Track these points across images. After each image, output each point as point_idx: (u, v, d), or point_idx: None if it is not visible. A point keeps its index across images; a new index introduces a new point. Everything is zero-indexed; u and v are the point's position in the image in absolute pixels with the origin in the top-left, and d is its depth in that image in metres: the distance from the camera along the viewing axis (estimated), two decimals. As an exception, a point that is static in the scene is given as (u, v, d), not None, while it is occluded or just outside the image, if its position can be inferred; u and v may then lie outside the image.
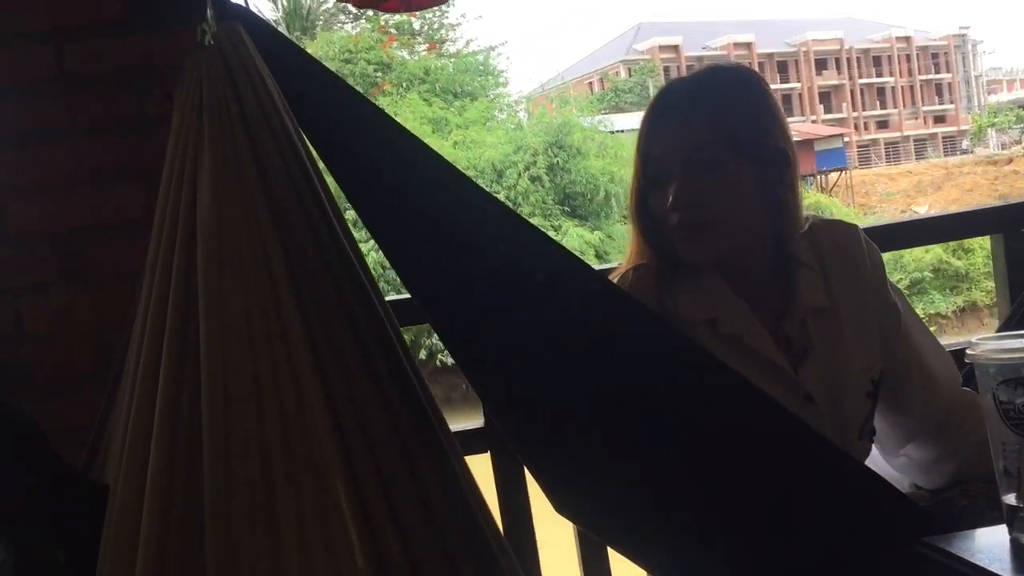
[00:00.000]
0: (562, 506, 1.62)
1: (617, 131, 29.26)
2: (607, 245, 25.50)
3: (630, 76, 46.55)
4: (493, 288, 1.51)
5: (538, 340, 1.47)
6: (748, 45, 53.39)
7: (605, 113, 35.05)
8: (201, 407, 1.33)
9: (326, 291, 1.44)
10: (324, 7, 36.22)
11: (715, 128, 1.56)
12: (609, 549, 2.14)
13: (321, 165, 1.56)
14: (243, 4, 1.67)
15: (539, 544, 2.21)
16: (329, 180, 1.56)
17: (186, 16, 1.92)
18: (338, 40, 30.71)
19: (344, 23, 36.12)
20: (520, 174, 25.51)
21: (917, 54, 59.46)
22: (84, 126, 1.95)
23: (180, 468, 1.33)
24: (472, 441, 2.22)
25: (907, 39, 59.07)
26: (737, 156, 1.56)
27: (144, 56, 1.96)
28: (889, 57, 58.74)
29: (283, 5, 35.06)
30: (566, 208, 26.18)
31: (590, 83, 49.62)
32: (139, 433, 1.36)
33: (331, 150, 1.56)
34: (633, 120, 34.10)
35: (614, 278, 1.69)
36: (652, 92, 42.47)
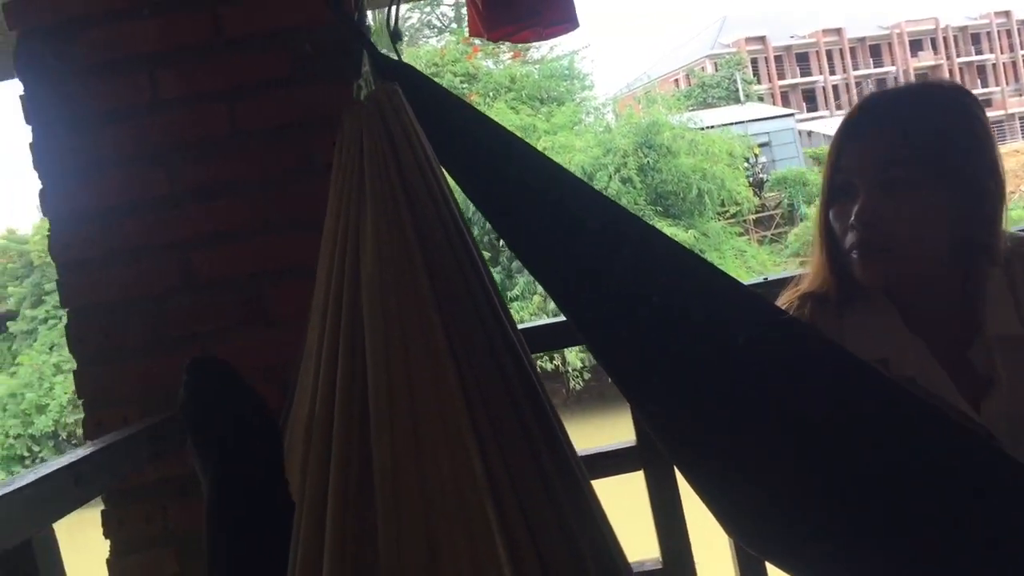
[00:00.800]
0: (730, 524, 1.63)
1: (707, 127, 28.89)
2: (701, 243, 25.21)
3: (716, 71, 45.85)
4: (657, 323, 1.54)
5: (706, 367, 1.49)
6: (838, 31, 52.04)
7: (693, 110, 34.64)
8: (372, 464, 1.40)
9: (476, 338, 1.48)
10: (409, 23, 36.79)
11: (912, 146, 1.46)
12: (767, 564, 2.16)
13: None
14: (400, 61, 1.76)
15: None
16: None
17: (348, 70, 2.03)
18: (424, 54, 31.14)
19: (429, 37, 36.64)
20: (611, 176, 25.42)
21: (1018, 28, 56.97)
22: (257, 179, 2.07)
23: (352, 514, 1.41)
24: (625, 459, 2.26)
25: (1006, 13, 56.67)
26: (933, 180, 1.46)
27: (308, 109, 2.07)
28: (988, 34, 56.47)
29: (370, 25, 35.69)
30: (658, 208, 25.99)
31: (676, 80, 49.07)
32: (316, 484, 1.43)
33: (489, 200, 1.62)
34: (722, 115, 33.64)
35: (787, 299, 1.69)
36: (740, 85, 41.95)
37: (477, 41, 30.08)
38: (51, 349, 28.03)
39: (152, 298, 2.07)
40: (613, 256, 1.60)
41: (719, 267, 1.52)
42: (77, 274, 2.09)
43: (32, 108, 2.07)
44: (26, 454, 26.63)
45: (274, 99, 2.07)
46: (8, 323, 30.86)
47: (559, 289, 1.59)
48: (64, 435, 26.76)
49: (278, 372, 2.06)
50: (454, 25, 37.23)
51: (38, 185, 2.09)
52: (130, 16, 2.05)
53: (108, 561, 2.08)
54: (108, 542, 2.09)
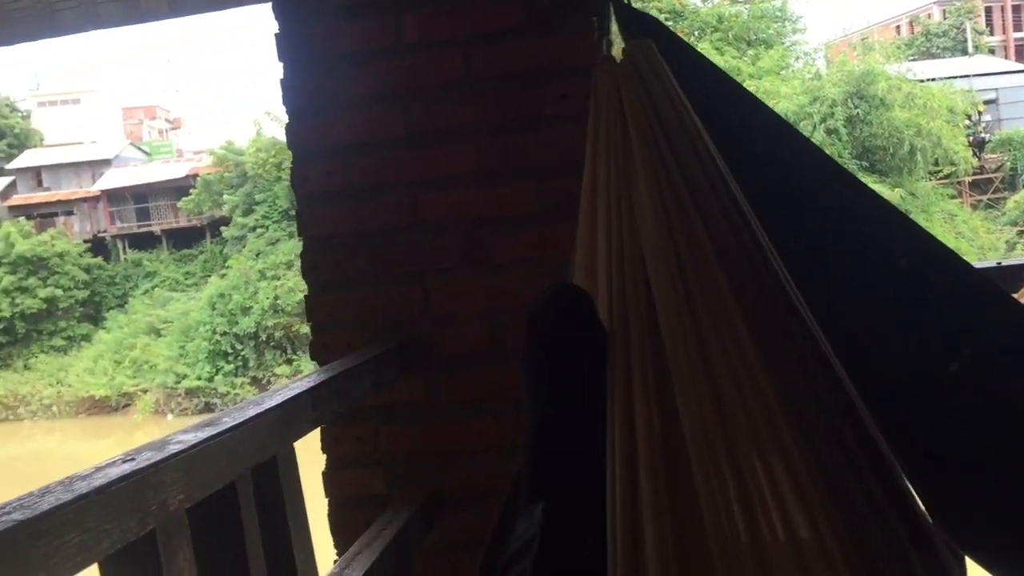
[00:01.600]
0: None
1: (927, 80, 26.94)
2: (908, 203, 23.79)
3: (944, 18, 42.48)
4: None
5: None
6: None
7: (914, 59, 32.38)
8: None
9: (762, 301, 1.50)
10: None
11: None
12: None
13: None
14: (648, 15, 1.74)
15: None
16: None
17: (583, 21, 2.03)
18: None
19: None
20: (815, 126, 24.30)
21: None
22: (487, 125, 2.12)
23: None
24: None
25: None
26: None
27: (542, 59, 2.09)
28: None
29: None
30: (864, 163, 24.68)
31: (897, 27, 45.87)
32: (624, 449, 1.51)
33: (742, 167, 1.62)
34: (945, 67, 31.21)
35: None
36: (970, 35, 38.69)
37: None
38: (257, 256, 30.00)
39: (382, 234, 2.18)
40: (845, 236, 1.58)
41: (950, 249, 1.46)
42: (315, 206, 2.22)
43: (285, 46, 2.19)
44: (230, 351, 28.85)
45: (510, 48, 2.10)
46: (221, 228, 33.25)
47: (793, 268, 1.58)
48: (264, 337, 28.77)
49: (492, 315, 2.14)
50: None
51: (284, 119, 2.23)
52: (380, -39, 2.12)
53: (323, 474, 2.25)
54: (324, 456, 2.26)
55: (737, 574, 1.47)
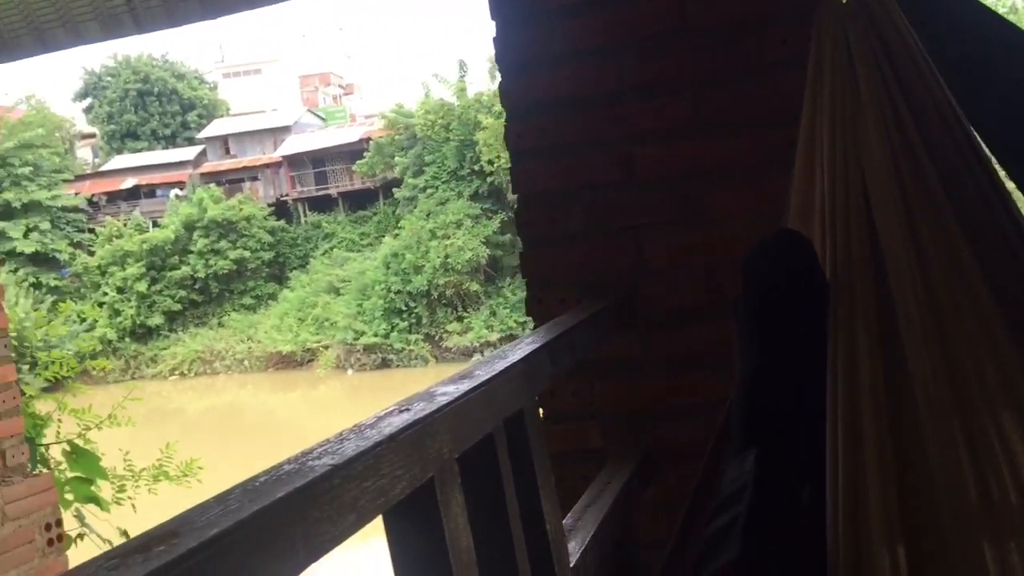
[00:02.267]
0: None
1: None
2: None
3: None
4: None
5: None
6: None
7: None
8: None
9: (1005, 263, 1.42)
10: None
11: None
12: None
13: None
14: None
15: None
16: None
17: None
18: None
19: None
20: None
21: None
22: (703, 76, 2.07)
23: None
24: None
25: None
26: None
27: (759, 4, 2.02)
28: None
29: None
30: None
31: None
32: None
33: (975, 105, 1.53)
34: None
35: None
36: None
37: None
38: (428, 216, 30.83)
39: (595, 189, 2.18)
40: None
41: None
42: (528, 162, 2.24)
43: (497, 3, 2.20)
44: (404, 308, 29.89)
45: (727, -6, 2.04)
46: (393, 189, 34.32)
47: None
48: (435, 295, 29.63)
49: (709, 270, 2.10)
50: None
51: (497, 78, 2.25)
52: (591, -89, 2.10)
53: (539, 427, 2.29)
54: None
55: (965, 534, 1.41)
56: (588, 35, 2.15)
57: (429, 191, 32.30)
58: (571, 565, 1.54)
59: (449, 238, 29.87)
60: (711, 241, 2.09)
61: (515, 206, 2.28)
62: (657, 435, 2.18)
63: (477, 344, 29.02)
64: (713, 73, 2.07)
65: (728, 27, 2.05)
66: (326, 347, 30.90)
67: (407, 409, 1.13)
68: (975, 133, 1.52)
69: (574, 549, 1.62)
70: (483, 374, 1.33)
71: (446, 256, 29.43)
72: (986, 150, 1.52)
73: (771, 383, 1.58)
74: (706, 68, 2.07)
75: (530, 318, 2.29)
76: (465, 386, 1.26)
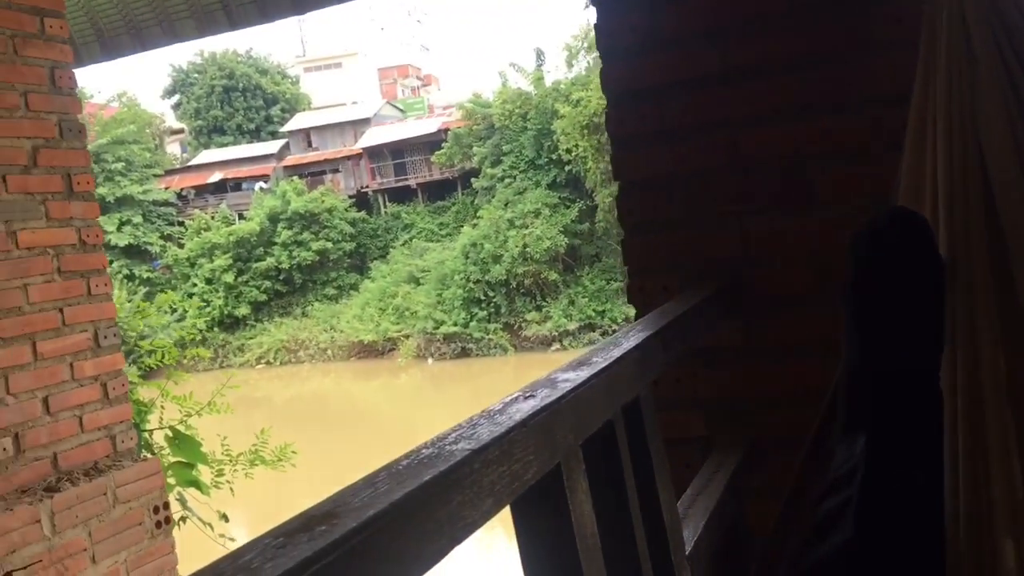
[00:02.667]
0: None
1: None
2: None
3: None
4: None
5: None
6: None
7: None
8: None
9: None
10: None
11: None
12: None
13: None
14: None
15: None
16: None
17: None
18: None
19: None
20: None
21: None
22: (811, 55, 2.02)
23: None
24: None
25: None
26: None
27: (873, -18, 1.96)
28: None
29: None
30: None
31: None
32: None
33: None
34: None
35: None
36: None
37: None
38: (506, 205, 30.89)
39: (698, 174, 2.15)
40: None
41: None
42: (629, 149, 2.22)
43: (596, -9, 2.19)
44: (482, 298, 30.05)
45: (838, -28, 1.98)
46: (471, 179, 34.48)
47: None
48: (514, 284, 29.70)
49: (817, 255, 2.05)
50: None
51: (597, 64, 2.24)
52: None
53: (640, 414, 2.27)
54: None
55: None
56: (691, 18, 2.12)
57: (507, 181, 32.37)
58: (686, 553, 1.53)
59: (527, 227, 29.89)
60: (818, 225, 2.04)
61: (615, 193, 2.26)
62: (763, 423, 2.14)
63: (556, 333, 29.02)
64: (822, 52, 2.02)
65: (837, 5, 1.99)
66: (407, 336, 31.28)
67: (532, 395, 1.14)
68: None
69: (688, 537, 1.61)
70: (600, 361, 1.33)
71: (524, 245, 29.47)
72: None
73: (884, 365, 1.54)
74: (815, 47, 2.02)
75: (631, 305, 2.27)
76: (585, 373, 1.25)
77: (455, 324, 30.12)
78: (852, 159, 2.01)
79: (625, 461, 1.32)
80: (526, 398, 1.13)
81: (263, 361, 33.51)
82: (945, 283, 1.51)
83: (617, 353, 1.39)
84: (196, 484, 4.73)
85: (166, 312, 30.16)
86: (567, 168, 30.28)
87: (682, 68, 2.14)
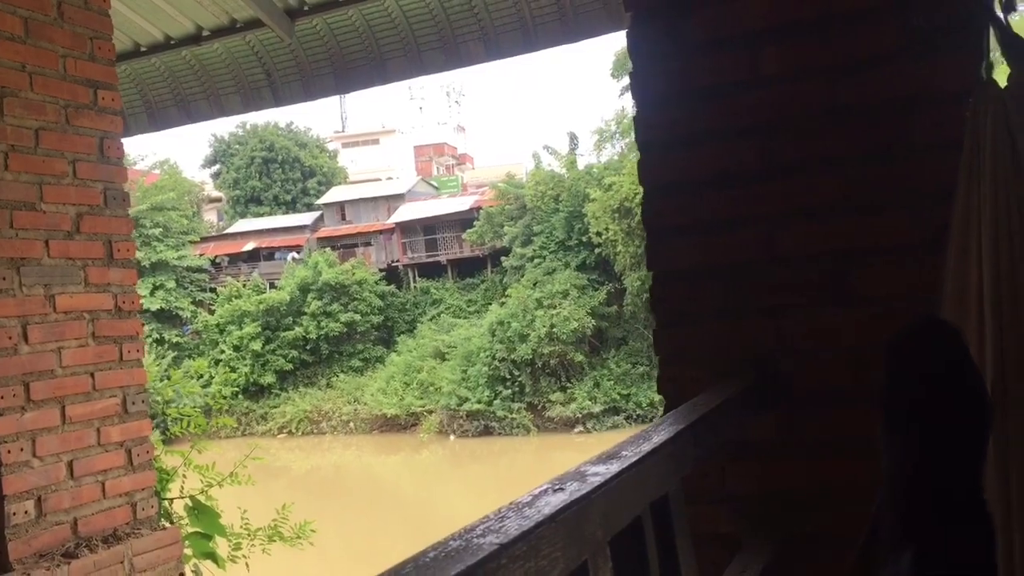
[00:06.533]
0: None
1: None
2: None
3: None
4: None
5: None
6: None
7: None
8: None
9: None
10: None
11: None
12: None
13: None
14: None
15: None
16: None
17: (957, 45, 1.90)
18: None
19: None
20: None
21: None
22: (853, 155, 2.03)
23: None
24: None
25: None
26: None
27: (912, 85, 1.98)
28: None
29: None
30: None
31: None
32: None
33: None
34: None
35: None
36: None
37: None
38: (535, 285, 30.99)
39: (735, 268, 2.15)
40: None
41: None
42: (665, 240, 2.23)
43: (640, 83, 2.23)
44: (507, 376, 29.91)
45: (878, 75, 2.01)
46: (501, 258, 34.71)
47: None
48: (539, 364, 29.58)
49: (855, 352, 2.03)
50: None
51: (635, 155, 2.27)
52: (739, -6, 2.11)
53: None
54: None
55: None
56: (731, 114, 2.15)
57: (536, 261, 32.56)
58: (712, 658, 1.49)
59: (555, 308, 29.91)
60: (859, 321, 2.02)
61: (644, 277, 2.27)
62: (793, 523, 2.10)
63: (579, 415, 28.78)
64: (864, 152, 2.03)
65: (879, 108, 2.01)
66: (430, 412, 31.13)
67: (561, 488, 1.12)
68: None
69: (713, 641, 1.57)
70: (631, 455, 1.31)
71: (551, 325, 29.45)
72: None
73: (927, 477, 1.51)
74: (856, 147, 2.03)
75: (660, 395, 2.25)
76: (615, 467, 1.24)
77: (479, 402, 29.97)
78: (892, 256, 2.00)
79: (652, 560, 1.30)
80: (555, 491, 1.12)
81: (285, 431, 33.43)
82: (980, 394, 1.49)
83: (647, 447, 1.37)
84: (213, 557, 4.67)
85: (192, 377, 30.38)
86: (596, 251, 30.44)
87: (722, 163, 2.16)
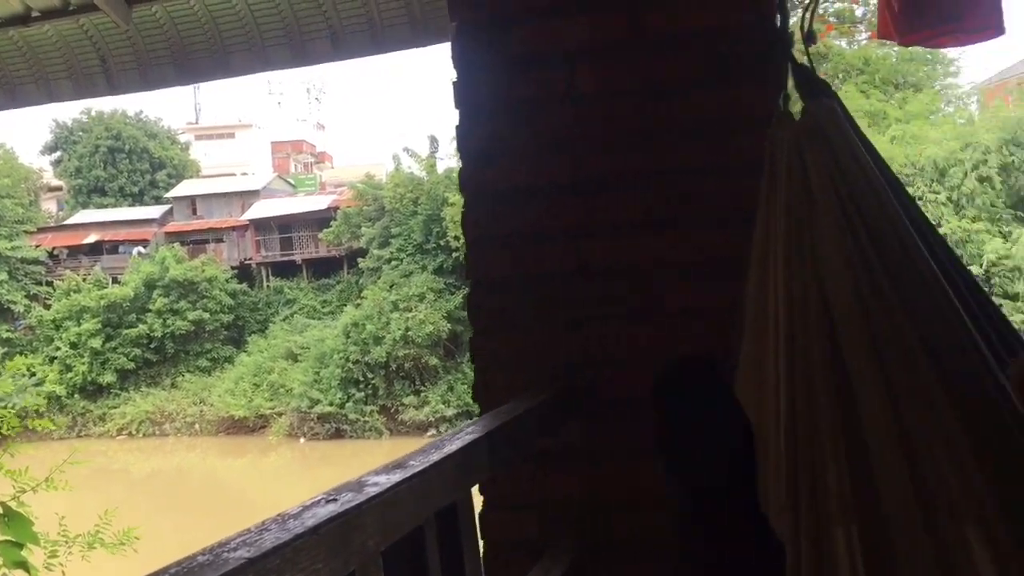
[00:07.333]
0: None
1: (1092, 128, 25.41)
2: (1068, 257, 22.38)
3: (1111, 62, 40.02)
4: None
5: None
6: None
7: (1077, 106, 30.58)
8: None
9: (968, 378, 1.45)
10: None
11: None
12: None
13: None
14: (825, 82, 1.74)
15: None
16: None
17: (761, 75, 2.01)
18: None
19: (800, 16, 35.27)
20: (967, 174, 23.20)
21: None
22: (659, 174, 2.12)
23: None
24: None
25: None
26: None
27: (720, 110, 2.08)
28: None
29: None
30: (1020, 213, 23.42)
31: (1058, 70, 43.52)
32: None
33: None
34: (1114, 114, 29.30)
35: None
36: None
37: (833, 18, 28.46)
38: (391, 287, 30.76)
39: (544, 279, 2.20)
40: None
41: None
42: (482, 249, 2.26)
43: (462, 93, 2.25)
44: (361, 379, 29.55)
45: (687, 98, 2.10)
46: (358, 259, 34.28)
47: None
48: (394, 367, 29.37)
49: (658, 363, 2.11)
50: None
51: (459, 166, 2.29)
52: (558, 14, 2.16)
53: (479, 515, 2.26)
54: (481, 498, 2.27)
55: None
56: (548, 129, 2.20)
57: (394, 263, 32.32)
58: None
59: (411, 311, 29.77)
60: (661, 334, 2.10)
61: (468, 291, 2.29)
62: (596, 527, 2.16)
63: (433, 419, 28.72)
64: (669, 171, 2.12)
65: (685, 130, 2.10)
66: (280, 414, 30.41)
67: (334, 499, 1.12)
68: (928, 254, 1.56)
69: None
70: (417, 464, 1.32)
71: (407, 328, 29.28)
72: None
73: (691, 507, 1.58)
74: (662, 166, 2.12)
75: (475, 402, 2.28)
76: (397, 476, 1.24)
77: (331, 404, 29.49)
78: (694, 272, 2.09)
79: (433, 569, 1.31)
80: (328, 502, 1.11)
81: (125, 432, 31.94)
82: (730, 426, 1.57)
83: (436, 457, 1.38)
84: (24, 566, 4.42)
85: (23, 375, 28.64)
86: (454, 255, 30.48)
87: (537, 175, 2.21)
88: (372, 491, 1.16)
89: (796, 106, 1.89)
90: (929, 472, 1.41)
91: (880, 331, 1.49)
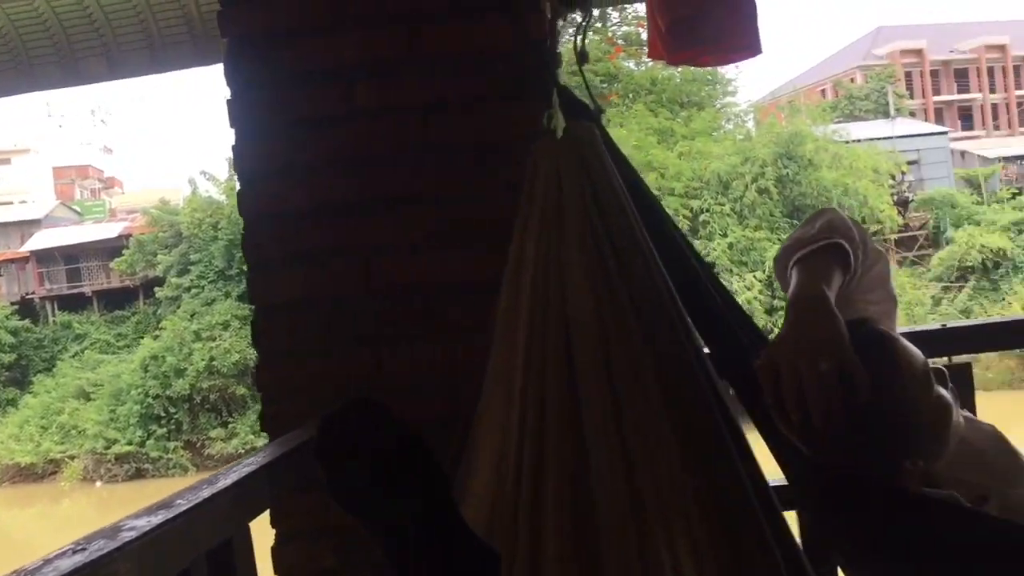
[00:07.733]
0: None
1: (853, 141, 27.89)
2: (838, 261, 24.38)
3: (866, 83, 44.15)
4: None
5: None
6: (1002, 47, 49.13)
7: (839, 122, 33.49)
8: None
9: (677, 361, 1.50)
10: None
11: None
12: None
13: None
14: (587, 105, 1.79)
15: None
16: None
17: (538, 98, 2.06)
18: (566, 52, 31.00)
19: (573, 37, 36.56)
20: (747, 186, 24.91)
21: None
22: (448, 190, 2.11)
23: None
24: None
25: None
26: None
27: (497, 129, 2.11)
28: None
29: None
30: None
31: (822, 90, 47.47)
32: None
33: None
34: (870, 129, 32.34)
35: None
36: (891, 99, 40.21)
37: (621, 41, 29.83)
38: (192, 316, 29.41)
39: (332, 300, 2.15)
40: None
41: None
42: (266, 272, 2.18)
43: (236, 112, 2.17)
44: (163, 414, 28.06)
45: (465, 117, 2.11)
46: (155, 289, 32.57)
47: None
48: (199, 399, 28.09)
49: (450, 382, 2.10)
50: (598, 24, 37.09)
51: (237, 186, 2.20)
52: (333, 30, 2.12)
53: (272, 548, 2.17)
54: (273, 531, 2.18)
55: None
56: (328, 147, 2.15)
57: (194, 291, 30.91)
58: None
59: (215, 340, 28.55)
60: (452, 353, 2.09)
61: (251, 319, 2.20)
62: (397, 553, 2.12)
63: (243, 450, 27.61)
64: (454, 188, 2.12)
65: (467, 147, 2.12)
66: (72, 457, 28.33)
67: (82, 548, 1.03)
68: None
69: None
70: (184, 503, 1.24)
71: (211, 358, 28.04)
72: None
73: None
74: (447, 183, 2.12)
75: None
76: (159, 518, 1.17)
77: (129, 443, 27.77)
78: (479, 290, 2.09)
79: (204, 613, 1.23)
80: (75, 552, 1.02)
81: None
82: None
83: (207, 493, 1.31)
84: None
85: None
86: (259, 280, 29.49)
87: (320, 195, 2.16)
88: (128, 536, 1.08)
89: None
90: (646, 477, 1.43)
91: (615, 351, 1.51)
